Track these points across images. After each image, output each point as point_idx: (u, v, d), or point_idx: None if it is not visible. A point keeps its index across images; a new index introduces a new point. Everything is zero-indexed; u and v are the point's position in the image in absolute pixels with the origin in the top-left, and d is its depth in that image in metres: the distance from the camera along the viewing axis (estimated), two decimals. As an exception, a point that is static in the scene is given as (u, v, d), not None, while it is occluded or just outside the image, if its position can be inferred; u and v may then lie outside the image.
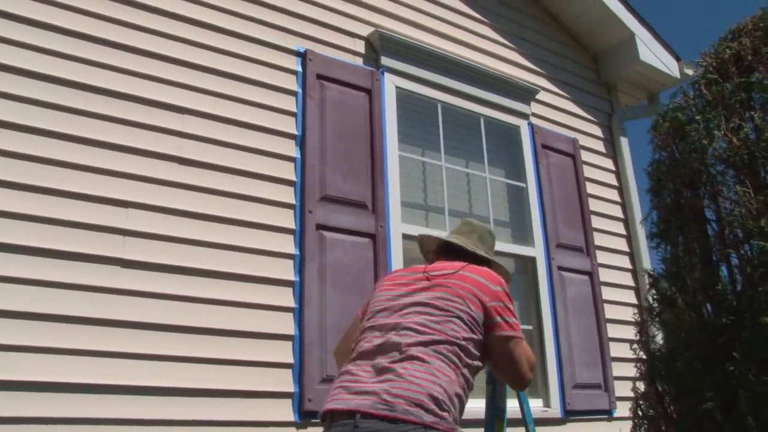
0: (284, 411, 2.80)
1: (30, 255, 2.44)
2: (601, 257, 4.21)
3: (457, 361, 1.93)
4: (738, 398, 2.23)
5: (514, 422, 2.75)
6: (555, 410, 3.64)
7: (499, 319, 2.08)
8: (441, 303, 2.02)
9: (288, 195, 3.10)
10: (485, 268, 2.20)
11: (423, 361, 1.87)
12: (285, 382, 2.84)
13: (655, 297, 2.72)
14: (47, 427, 2.30)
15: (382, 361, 1.89)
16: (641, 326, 2.74)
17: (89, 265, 2.55)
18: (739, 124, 2.56)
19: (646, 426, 2.63)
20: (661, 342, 2.66)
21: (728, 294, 2.43)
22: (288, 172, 3.13)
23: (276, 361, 2.84)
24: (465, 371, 1.95)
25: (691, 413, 2.39)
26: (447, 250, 2.37)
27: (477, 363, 2.02)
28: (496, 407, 2.47)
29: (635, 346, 2.70)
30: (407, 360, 1.87)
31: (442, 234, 2.59)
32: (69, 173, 2.60)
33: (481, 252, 2.36)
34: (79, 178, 2.62)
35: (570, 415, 3.69)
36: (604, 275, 4.17)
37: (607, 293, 4.13)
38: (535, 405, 3.63)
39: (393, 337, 1.95)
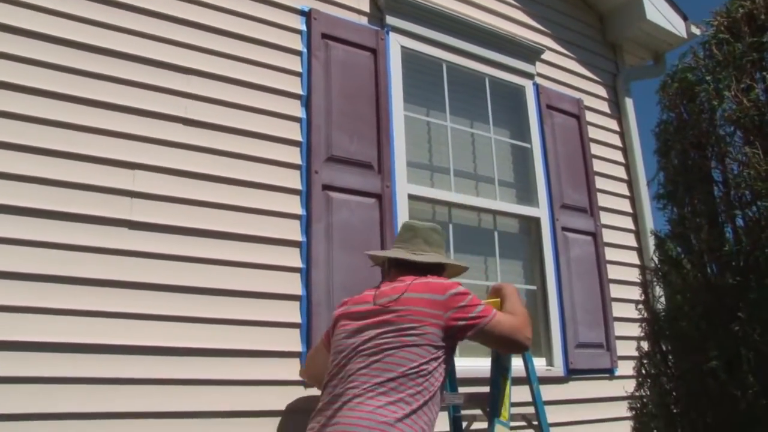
0: (292, 370, 2.82)
1: (37, 217, 2.43)
2: (605, 218, 4.22)
3: (412, 391, 2.06)
4: (741, 358, 2.26)
5: (519, 380, 2.80)
6: (558, 369, 3.69)
7: (463, 322, 2.19)
8: (391, 338, 2.12)
9: (294, 155, 3.09)
10: (428, 280, 2.28)
11: (367, 404, 2.01)
12: (293, 341, 2.86)
13: (660, 258, 2.73)
14: (56, 387, 2.33)
15: (328, 412, 2.09)
16: (646, 286, 2.76)
17: (97, 227, 2.55)
18: (750, 84, 2.54)
19: (649, 384, 2.67)
20: (665, 302, 2.69)
21: (734, 255, 2.44)
22: (294, 132, 3.12)
23: (284, 321, 2.86)
24: (424, 395, 2.08)
25: (694, 372, 2.43)
26: (396, 264, 2.46)
27: (439, 378, 2.15)
28: (501, 366, 2.51)
29: (640, 306, 2.73)
30: (350, 407, 2.04)
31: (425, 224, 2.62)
32: (75, 135, 2.59)
33: (427, 258, 2.43)
34: (86, 140, 2.60)
35: (572, 373, 3.74)
36: (608, 236, 4.19)
37: (610, 254, 4.15)
38: (539, 364, 3.68)
39: (341, 388, 2.11)
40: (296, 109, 3.16)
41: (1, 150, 2.43)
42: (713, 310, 2.41)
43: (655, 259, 2.72)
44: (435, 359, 2.13)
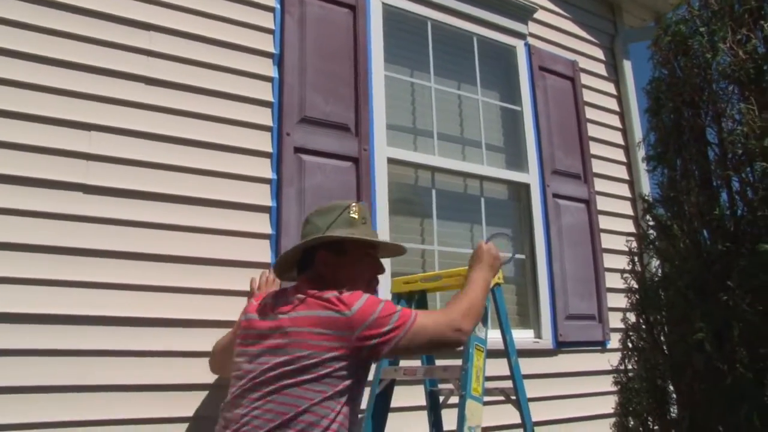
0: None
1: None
2: (600, 185, 4.04)
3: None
4: (729, 329, 2.10)
5: (497, 353, 2.65)
6: (546, 341, 3.54)
7: (376, 340, 1.88)
8: (286, 370, 1.84)
9: (265, 117, 2.93)
10: (320, 299, 1.90)
11: None
12: (261, 310, 2.73)
13: (650, 224, 2.57)
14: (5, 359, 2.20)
15: None
16: (633, 255, 2.60)
17: (51, 192, 2.40)
18: (747, 35, 2.36)
19: (636, 357, 2.53)
20: (654, 271, 2.53)
21: (726, 219, 2.28)
22: (265, 92, 2.95)
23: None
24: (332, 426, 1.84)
25: (681, 343, 2.28)
26: (299, 266, 2.19)
27: (344, 403, 1.88)
28: (476, 338, 2.35)
29: (626, 275, 2.58)
30: None
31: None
32: (27, 94, 2.42)
33: (318, 233, 2.06)
34: (39, 100, 2.44)
35: (562, 346, 3.59)
36: (602, 203, 4.01)
37: (604, 222, 3.98)
38: (526, 336, 3.54)
39: (234, 425, 1.86)
40: (268, 68, 2.99)
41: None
42: (701, 279, 2.25)
43: (644, 226, 2.55)
44: (338, 397, 1.86)
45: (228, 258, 2.70)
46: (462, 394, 2.26)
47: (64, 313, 2.32)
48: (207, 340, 2.50)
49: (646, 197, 2.57)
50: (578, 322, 3.66)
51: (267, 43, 3.01)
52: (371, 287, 2.14)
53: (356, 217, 2.11)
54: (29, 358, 2.24)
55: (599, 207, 3.97)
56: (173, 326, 2.52)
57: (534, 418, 2.65)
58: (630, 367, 2.56)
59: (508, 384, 2.61)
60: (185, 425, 2.46)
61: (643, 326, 2.47)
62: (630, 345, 2.55)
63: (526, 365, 3.33)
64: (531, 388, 3.31)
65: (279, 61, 3.00)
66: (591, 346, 3.73)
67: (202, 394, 2.51)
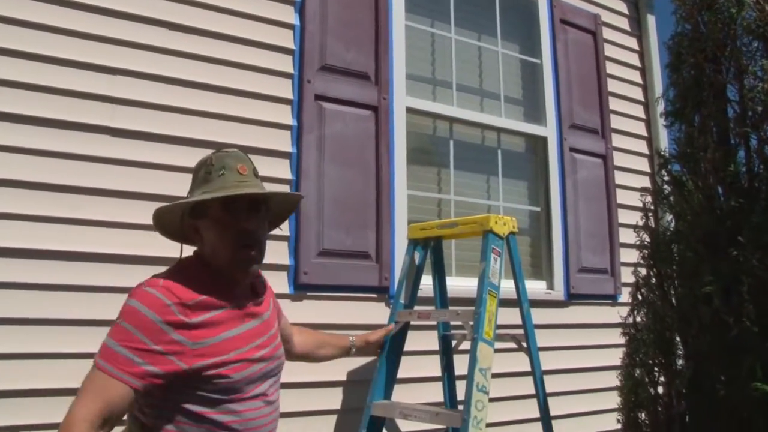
0: (280, 283, 2.77)
1: (16, 122, 2.34)
2: (617, 140, 4.04)
3: None
4: (738, 284, 2.15)
5: (510, 303, 2.72)
6: (558, 293, 3.60)
7: None
8: None
9: (286, 64, 2.95)
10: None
11: None
12: (281, 254, 2.80)
13: (665, 179, 2.59)
14: (32, 293, 2.29)
15: None
16: (647, 210, 2.63)
17: (77, 134, 2.46)
18: (774, -10, 2.34)
19: (645, 310, 2.58)
20: (666, 226, 2.57)
21: (741, 176, 2.30)
22: (286, 39, 2.97)
23: (273, 234, 2.78)
24: None
25: (689, 297, 2.33)
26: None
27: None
28: (489, 283, 2.42)
29: (638, 229, 2.61)
30: None
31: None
32: (55, 38, 2.46)
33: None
34: (66, 44, 2.47)
35: (573, 298, 3.65)
36: (619, 159, 4.02)
37: (620, 178, 4.00)
38: (538, 287, 3.60)
39: None
40: (289, 15, 2.99)
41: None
42: (713, 234, 2.28)
43: (659, 181, 2.58)
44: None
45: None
46: (474, 336, 2.34)
47: (90, 251, 2.40)
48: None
49: (662, 152, 2.59)
50: (590, 275, 3.72)
51: (289, -9, 3.02)
52: (241, 253, 1.74)
53: (211, 170, 1.76)
54: (55, 293, 2.34)
55: (616, 162, 3.98)
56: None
57: (544, 367, 2.74)
58: (639, 319, 2.61)
59: (520, 332, 2.69)
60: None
61: (654, 280, 2.52)
62: (639, 297, 2.60)
63: (538, 315, 3.41)
64: (542, 338, 3.39)
65: (300, 8, 3.01)
66: (602, 299, 3.79)
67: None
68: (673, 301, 2.44)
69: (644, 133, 4.27)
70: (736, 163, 2.27)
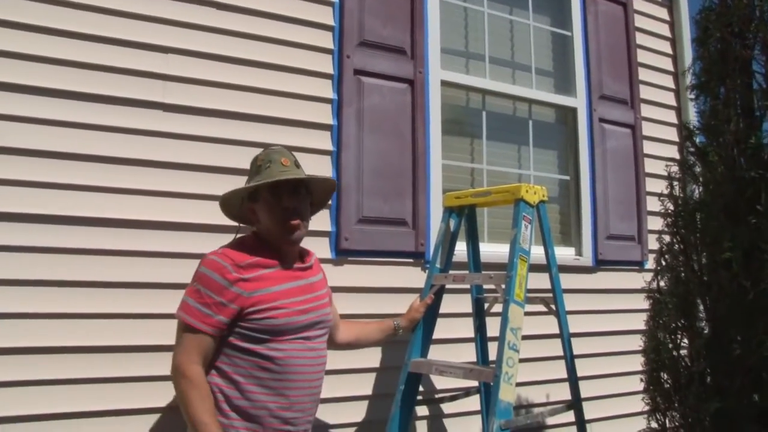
0: (322, 249, 2.95)
1: (71, 99, 2.51)
2: (647, 111, 4.13)
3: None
4: (756, 250, 2.27)
5: (540, 268, 2.87)
6: (586, 259, 3.75)
7: None
8: None
9: (326, 40, 3.10)
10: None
11: None
12: (323, 221, 2.97)
13: (690, 150, 2.71)
14: (81, 258, 2.48)
15: None
16: (672, 179, 2.75)
17: (131, 109, 2.63)
18: (800, -36, 2.42)
19: (668, 275, 2.71)
20: (690, 195, 2.69)
21: (763, 148, 2.41)
22: (326, 16, 3.11)
23: (315, 204, 2.96)
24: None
25: (710, 263, 2.46)
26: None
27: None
28: (520, 249, 2.57)
29: (663, 198, 2.73)
30: None
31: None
32: (108, 19, 2.62)
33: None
34: (120, 24, 2.64)
35: (601, 264, 3.79)
36: (648, 129, 4.11)
37: (649, 147, 4.09)
38: (567, 253, 3.75)
39: None
40: (330, -8, 3.14)
41: (37, 34, 2.47)
42: (734, 203, 2.40)
43: (684, 152, 2.70)
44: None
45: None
46: (506, 298, 2.50)
47: (149, 219, 2.60)
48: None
49: (687, 125, 2.69)
50: (618, 242, 3.85)
51: (328, -31, 3.14)
52: (286, 224, 2.15)
53: (261, 164, 2.20)
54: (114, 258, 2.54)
55: (644, 132, 4.07)
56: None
57: (572, 330, 2.88)
58: (662, 284, 2.75)
59: (550, 296, 2.85)
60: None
61: (677, 246, 2.65)
62: (663, 263, 2.73)
63: (567, 281, 3.56)
64: (570, 303, 3.54)
65: (340, -15, 3.15)
66: (629, 266, 3.92)
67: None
68: (695, 266, 2.57)
69: (673, 103, 4.34)
70: (758, 136, 2.37)
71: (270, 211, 2.15)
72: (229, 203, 2.26)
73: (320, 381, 2.20)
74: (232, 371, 2.01)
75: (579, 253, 3.75)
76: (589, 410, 3.40)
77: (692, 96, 2.70)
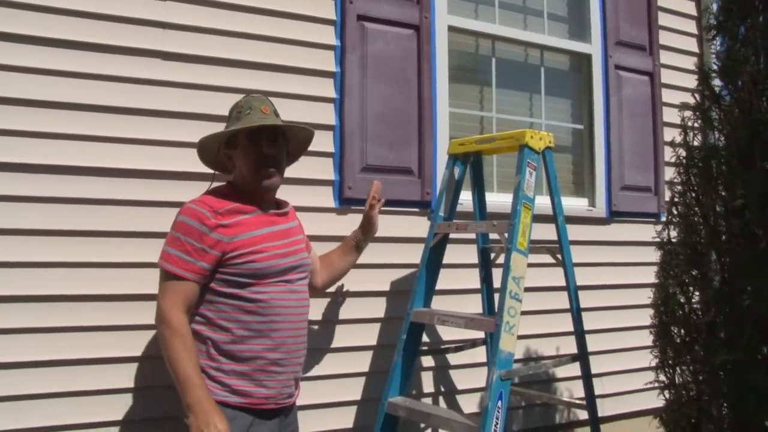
0: (325, 197, 2.92)
1: (68, 48, 2.47)
2: (666, 57, 3.97)
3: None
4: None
5: (548, 218, 2.79)
6: (600, 210, 3.66)
7: None
8: None
9: (329, -16, 3.01)
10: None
11: None
12: (326, 170, 2.93)
13: (705, 93, 2.59)
14: (81, 207, 2.46)
15: None
16: (685, 126, 2.64)
17: (129, 58, 2.57)
18: None
19: (680, 225, 2.62)
20: (701, 141, 2.58)
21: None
22: (329, -39, 3.01)
23: (317, 150, 2.89)
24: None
25: (722, 211, 2.37)
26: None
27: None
28: (524, 196, 2.50)
29: (674, 145, 2.63)
30: None
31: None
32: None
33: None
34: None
35: (615, 215, 3.70)
36: (667, 77, 3.96)
37: (668, 96, 3.94)
38: (580, 204, 3.66)
39: None
40: (331, -66, 3.03)
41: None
42: (748, 148, 2.30)
43: (697, 96, 2.58)
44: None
45: (295, 120, 2.85)
46: (508, 246, 2.44)
47: (149, 169, 2.56)
48: (284, 196, 2.71)
49: (703, 67, 2.57)
50: (633, 193, 3.74)
51: None
52: (262, 171, 2.16)
53: (240, 110, 2.18)
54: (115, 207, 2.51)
55: (664, 80, 3.92)
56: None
57: (583, 283, 2.81)
58: (674, 235, 2.66)
59: (557, 246, 2.78)
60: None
61: (688, 193, 2.55)
62: (675, 212, 2.63)
63: (579, 232, 3.51)
64: (582, 255, 3.50)
65: (342, -73, 3.03)
66: (645, 218, 3.82)
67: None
68: (707, 215, 2.48)
69: (695, 49, 4.17)
70: (775, 75, 2.25)
71: (247, 158, 2.15)
72: (206, 148, 2.25)
73: (304, 323, 2.20)
74: (217, 317, 2.02)
75: (592, 204, 3.66)
76: (599, 364, 3.39)
77: (710, 37, 2.57)
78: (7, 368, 2.28)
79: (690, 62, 4.12)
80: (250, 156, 2.15)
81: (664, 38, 3.95)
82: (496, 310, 2.95)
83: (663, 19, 3.95)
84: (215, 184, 2.25)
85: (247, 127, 2.12)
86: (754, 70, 2.32)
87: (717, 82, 2.58)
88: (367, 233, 2.71)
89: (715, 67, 2.57)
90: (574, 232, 3.46)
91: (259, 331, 2.04)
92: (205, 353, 2.01)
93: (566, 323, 2.88)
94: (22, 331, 2.31)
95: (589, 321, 3.40)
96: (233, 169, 2.23)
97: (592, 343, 3.34)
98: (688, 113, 2.62)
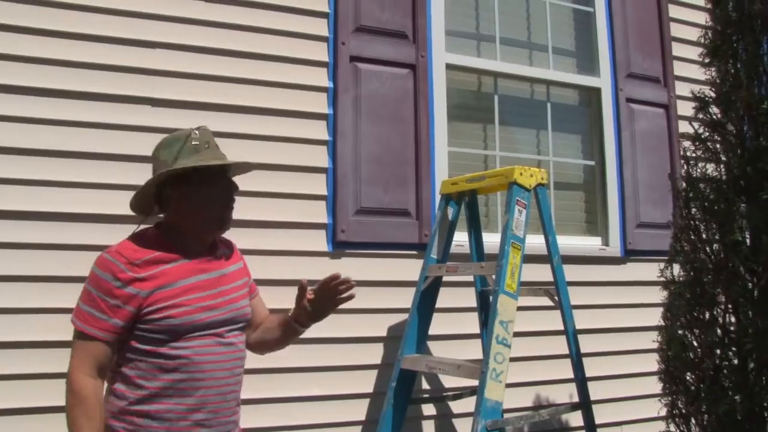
0: (318, 241, 2.86)
1: (59, 98, 2.52)
2: (682, 88, 3.82)
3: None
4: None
5: (539, 259, 2.67)
6: (614, 249, 3.49)
7: None
8: None
9: (321, 27, 3.00)
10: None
11: None
12: (319, 213, 2.88)
13: (702, 122, 2.46)
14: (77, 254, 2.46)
15: None
16: (686, 157, 2.50)
17: (120, 106, 2.61)
18: None
19: (682, 259, 2.47)
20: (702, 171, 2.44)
21: (774, 114, 2.15)
22: (320, 3, 3.01)
23: (310, 194, 2.87)
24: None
25: (720, 245, 2.22)
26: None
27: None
28: (512, 236, 2.40)
29: (677, 176, 2.49)
30: None
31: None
32: (94, 16, 2.62)
33: (165, 168, 1.87)
34: (108, 21, 2.63)
35: (631, 254, 3.53)
36: (684, 108, 3.80)
37: (685, 128, 3.77)
38: (592, 243, 3.51)
39: None
40: (323, -22, 3.04)
41: (31, 36, 2.50)
42: (744, 177, 2.15)
43: (694, 125, 2.45)
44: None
45: (288, 163, 2.84)
46: (496, 289, 2.34)
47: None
48: (277, 240, 2.77)
49: (698, 94, 2.44)
50: (650, 230, 3.56)
51: (322, -45, 3.05)
52: (225, 215, 1.95)
53: (199, 143, 1.93)
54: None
55: (680, 112, 3.77)
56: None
57: (595, 325, 2.65)
58: (677, 271, 2.50)
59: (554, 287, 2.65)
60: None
61: (690, 228, 2.40)
62: (678, 248, 2.48)
63: (591, 273, 3.37)
64: (596, 296, 3.34)
65: (334, -29, 3.04)
66: (664, 256, 3.61)
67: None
68: (708, 249, 2.32)
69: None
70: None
71: (208, 199, 1.90)
72: (145, 187, 1.92)
73: (236, 378, 1.94)
74: (135, 374, 1.81)
75: (606, 242, 3.50)
76: (616, 413, 3.19)
77: (705, 62, 2.45)
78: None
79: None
80: (217, 197, 1.92)
81: (680, 69, 3.80)
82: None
83: (677, 49, 3.81)
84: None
85: (229, 162, 1.92)
86: (748, 96, 2.19)
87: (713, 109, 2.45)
88: (300, 310, 2.06)
89: (713, 94, 2.44)
90: (586, 272, 3.34)
91: (179, 390, 1.81)
92: (120, 412, 1.80)
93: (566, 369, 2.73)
94: None
95: (604, 366, 3.24)
96: (170, 209, 1.94)
97: (607, 389, 3.17)
98: (687, 143, 2.49)
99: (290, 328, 2.08)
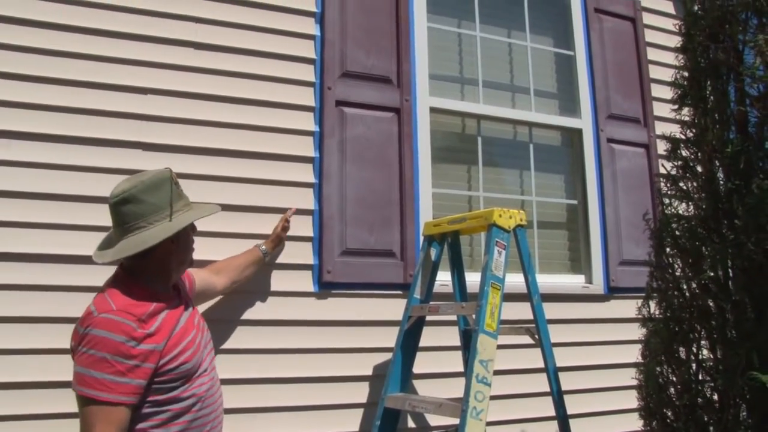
0: (304, 282, 2.92)
1: (51, 142, 2.60)
2: (663, 128, 3.90)
3: None
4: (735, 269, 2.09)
5: (521, 297, 2.73)
6: (597, 286, 3.55)
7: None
8: None
9: (308, 73, 3.09)
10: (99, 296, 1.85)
11: None
12: (305, 254, 2.94)
13: (675, 164, 2.54)
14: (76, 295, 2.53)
15: None
16: (660, 195, 2.57)
17: (110, 150, 2.69)
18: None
19: (656, 299, 2.53)
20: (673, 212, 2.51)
21: (740, 156, 2.22)
22: (307, 50, 3.11)
23: (297, 235, 2.92)
24: None
25: (693, 284, 2.28)
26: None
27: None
28: (492, 276, 2.45)
29: (648, 216, 2.57)
30: None
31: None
32: (91, 65, 2.72)
33: (103, 258, 1.90)
34: (102, 68, 2.73)
35: (614, 291, 3.58)
36: (664, 147, 3.88)
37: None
38: (575, 281, 3.56)
39: None
40: (310, 26, 3.14)
41: (24, 82, 2.59)
42: (713, 218, 2.22)
43: (666, 166, 2.53)
44: None
45: (275, 205, 2.90)
46: (475, 328, 2.39)
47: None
48: (264, 281, 2.84)
49: (671, 136, 2.52)
50: (633, 267, 3.61)
51: (309, 2, 3.15)
52: (191, 256, 2.10)
53: (180, 191, 2.02)
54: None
55: (660, 151, 3.85)
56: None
57: (579, 363, 2.68)
58: (653, 309, 2.56)
59: (534, 326, 2.70)
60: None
61: (662, 267, 2.46)
62: (654, 285, 2.54)
63: (575, 310, 3.42)
64: (579, 334, 3.39)
65: (320, 18, 3.15)
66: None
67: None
68: (683, 286, 2.38)
69: (696, 119, 4.10)
70: (732, 144, 2.19)
71: (187, 244, 2.04)
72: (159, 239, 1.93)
73: (222, 401, 2.09)
74: (150, 426, 1.81)
75: (589, 280, 3.56)
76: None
77: (674, 107, 2.53)
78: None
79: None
80: (189, 243, 2.05)
81: (659, 109, 3.89)
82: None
83: (656, 90, 3.90)
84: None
85: (218, 211, 2.12)
86: (715, 138, 2.27)
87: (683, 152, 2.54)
88: (274, 248, 2.80)
89: (683, 136, 2.53)
90: (570, 310, 3.40)
91: (195, 428, 1.90)
92: None
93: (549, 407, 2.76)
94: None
95: (587, 403, 3.27)
96: (149, 257, 1.92)
97: (589, 427, 3.20)
98: (662, 182, 2.56)
99: (261, 262, 2.69)
